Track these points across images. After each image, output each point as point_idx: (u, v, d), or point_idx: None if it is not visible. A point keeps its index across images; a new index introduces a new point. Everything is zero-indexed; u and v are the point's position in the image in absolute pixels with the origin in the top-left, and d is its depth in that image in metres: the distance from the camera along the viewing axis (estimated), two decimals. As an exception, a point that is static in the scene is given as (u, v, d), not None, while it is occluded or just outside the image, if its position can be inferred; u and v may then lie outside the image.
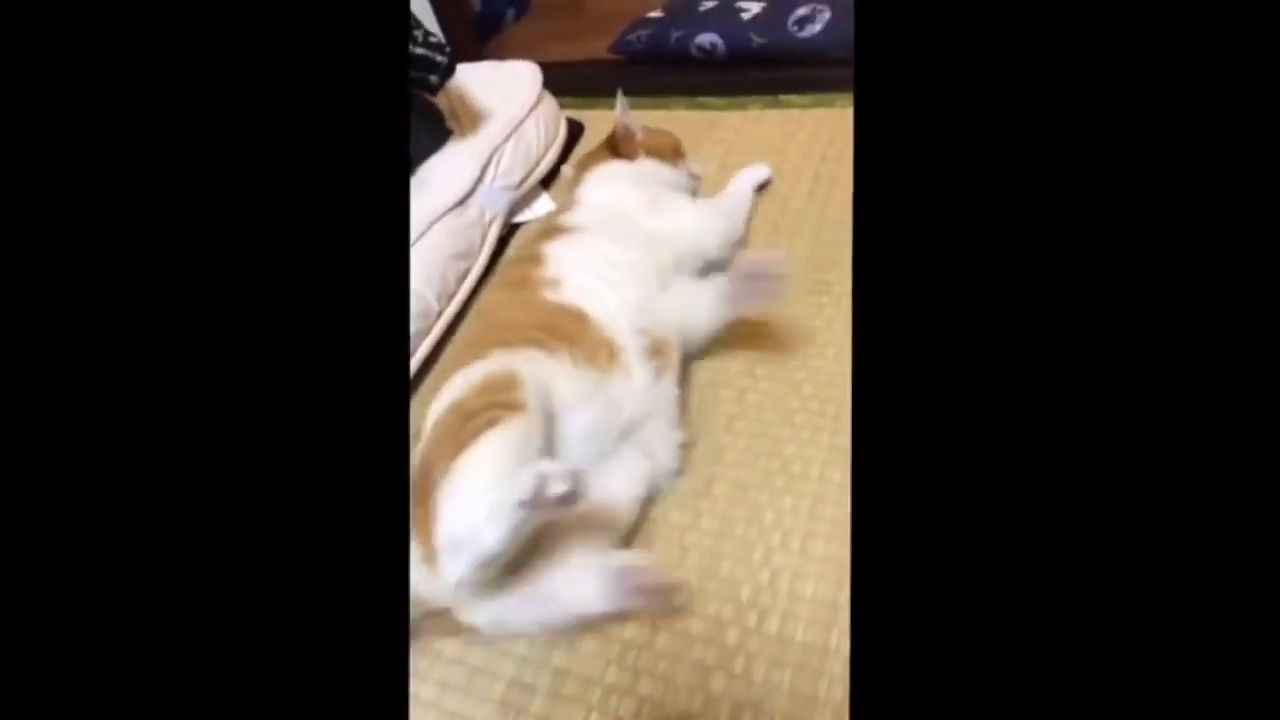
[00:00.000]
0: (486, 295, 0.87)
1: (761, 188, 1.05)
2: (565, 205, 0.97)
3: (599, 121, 1.30)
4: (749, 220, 1.01)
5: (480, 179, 1.04)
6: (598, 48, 1.56)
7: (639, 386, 0.73)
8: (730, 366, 0.84)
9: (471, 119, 1.11)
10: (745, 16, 1.33)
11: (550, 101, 1.20)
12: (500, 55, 1.71)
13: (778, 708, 0.59)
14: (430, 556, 0.60)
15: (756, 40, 1.30)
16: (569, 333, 0.73)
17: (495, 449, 0.61)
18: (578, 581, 0.63)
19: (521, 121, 1.11)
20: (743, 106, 1.24)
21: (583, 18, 1.88)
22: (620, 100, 1.01)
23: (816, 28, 1.27)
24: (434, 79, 0.98)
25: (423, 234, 0.97)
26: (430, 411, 0.69)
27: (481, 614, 0.64)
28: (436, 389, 0.85)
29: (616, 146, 1.01)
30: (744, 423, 0.78)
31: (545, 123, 1.16)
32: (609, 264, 0.81)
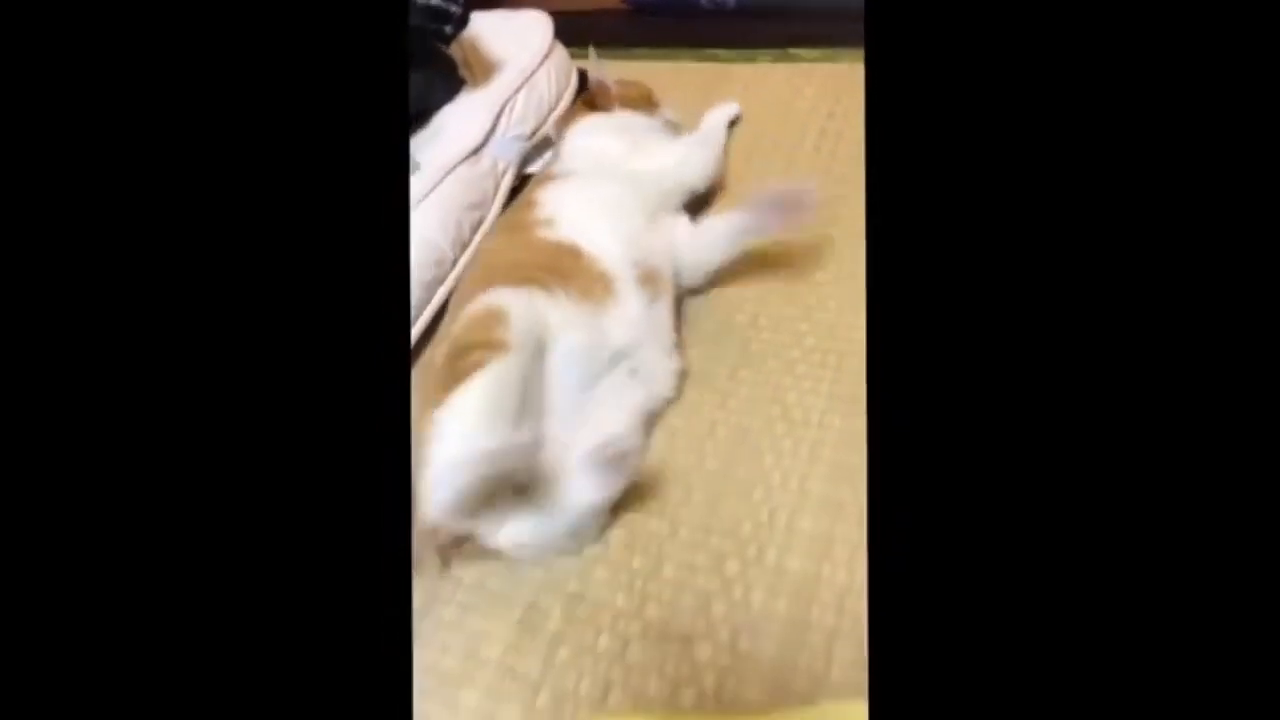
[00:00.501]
0: (483, 242, 0.91)
1: (732, 124, 1.11)
2: (551, 158, 1.04)
3: (612, 73, 1.31)
4: (723, 156, 1.05)
5: (493, 129, 1.06)
6: (608, -4, 1.56)
7: (632, 314, 0.77)
8: (735, 319, 0.88)
9: (484, 68, 1.12)
10: (756, -32, 1.33)
11: (561, 51, 1.20)
12: (513, 3, 1.70)
13: (773, 630, 0.64)
14: None
15: (767, -8, 1.30)
16: (564, 269, 0.77)
17: (477, 395, 0.64)
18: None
19: (534, 71, 1.12)
20: (751, 59, 1.25)
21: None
22: (593, 55, 1.06)
23: (827, -20, 1.27)
24: (448, 29, 0.99)
25: (437, 184, 0.99)
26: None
27: (500, 538, 0.68)
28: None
29: (592, 102, 1.07)
30: (747, 371, 0.82)
31: (557, 73, 1.16)
32: (597, 201, 0.86)
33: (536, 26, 1.20)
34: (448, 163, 1.01)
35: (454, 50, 1.09)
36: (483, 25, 1.19)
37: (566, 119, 1.09)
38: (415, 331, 0.95)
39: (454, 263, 0.99)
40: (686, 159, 0.97)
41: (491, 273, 0.79)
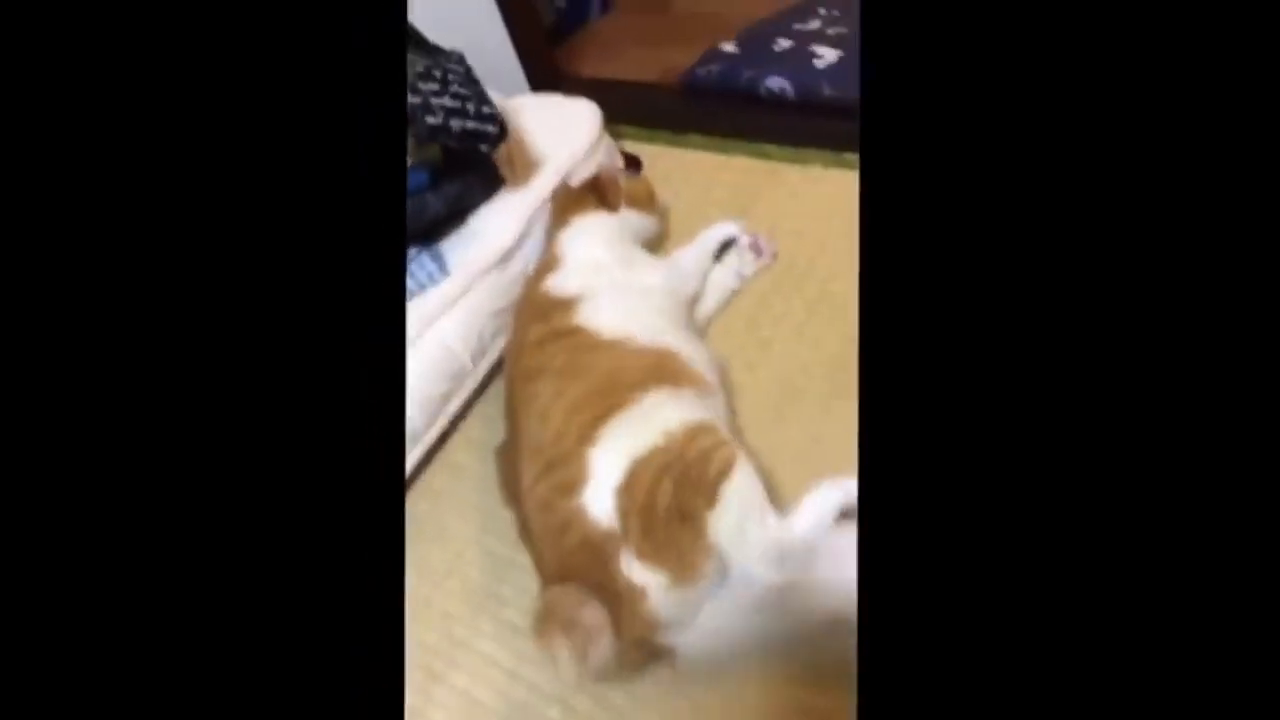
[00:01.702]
0: (571, 358, 0.82)
1: (727, 246, 1.09)
2: (547, 264, 0.96)
3: (661, 158, 1.29)
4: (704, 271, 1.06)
5: (526, 233, 1.06)
6: (679, 56, 1.51)
7: (724, 412, 0.82)
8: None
9: (525, 166, 1.12)
10: (819, 64, 1.28)
11: (607, 145, 1.19)
12: (580, 54, 1.70)
13: None
14: (686, 576, 0.66)
15: (828, 90, 1.25)
16: (676, 370, 0.79)
17: (751, 482, 0.71)
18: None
19: (573, 172, 1.11)
20: (804, 160, 1.20)
21: (669, 17, 1.83)
22: (609, 142, 1.06)
23: (894, 79, 1.20)
24: (484, 148, 1.00)
25: (466, 290, 1.00)
26: (595, 460, 0.70)
27: (693, 641, 0.69)
28: (505, 435, 0.88)
29: (603, 194, 1.03)
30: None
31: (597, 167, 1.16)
32: (650, 313, 0.87)
33: (584, 120, 1.18)
34: (479, 269, 1.01)
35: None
36: (532, 115, 1.19)
37: (569, 208, 1.04)
38: (428, 440, 0.97)
39: (471, 373, 1.01)
40: (671, 286, 0.98)
41: (608, 380, 0.76)
